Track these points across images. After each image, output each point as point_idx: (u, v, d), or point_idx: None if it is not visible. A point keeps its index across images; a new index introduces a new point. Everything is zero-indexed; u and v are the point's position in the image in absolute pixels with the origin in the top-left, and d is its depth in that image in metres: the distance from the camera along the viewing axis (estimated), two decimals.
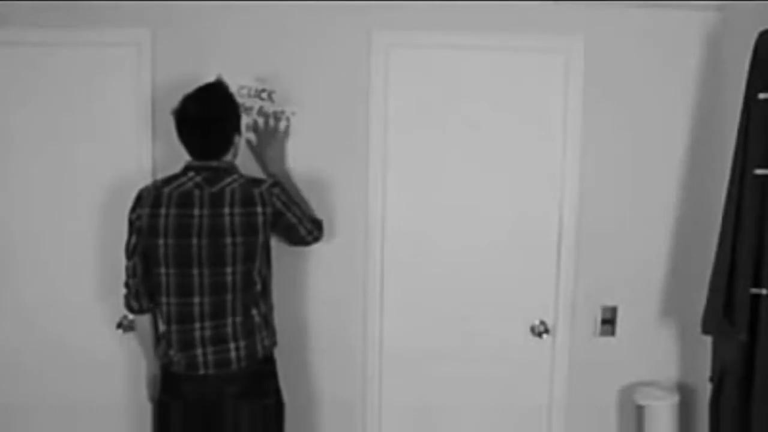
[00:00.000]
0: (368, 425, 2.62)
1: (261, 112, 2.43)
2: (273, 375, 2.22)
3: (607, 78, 2.52)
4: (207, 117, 2.07)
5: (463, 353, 2.61)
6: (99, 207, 2.47)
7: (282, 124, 2.44)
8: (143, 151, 2.43)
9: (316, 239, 2.30)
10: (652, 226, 2.60)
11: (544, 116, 2.54)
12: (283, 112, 2.44)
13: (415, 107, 2.51)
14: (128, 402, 2.54)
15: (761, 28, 2.20)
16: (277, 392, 2.23)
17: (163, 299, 2.07)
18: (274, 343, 2.21)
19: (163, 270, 2.05)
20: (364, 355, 2.58)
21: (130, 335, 2.47)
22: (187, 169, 2.10)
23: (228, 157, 2.13)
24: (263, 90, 2.42)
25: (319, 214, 2.42)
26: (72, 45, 2.41)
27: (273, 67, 2.42)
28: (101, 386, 2.54)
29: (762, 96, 2.19)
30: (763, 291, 2.21)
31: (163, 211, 2.04)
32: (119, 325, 2.48)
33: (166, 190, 2.06)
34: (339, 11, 2.43)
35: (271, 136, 2.41)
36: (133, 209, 2.10)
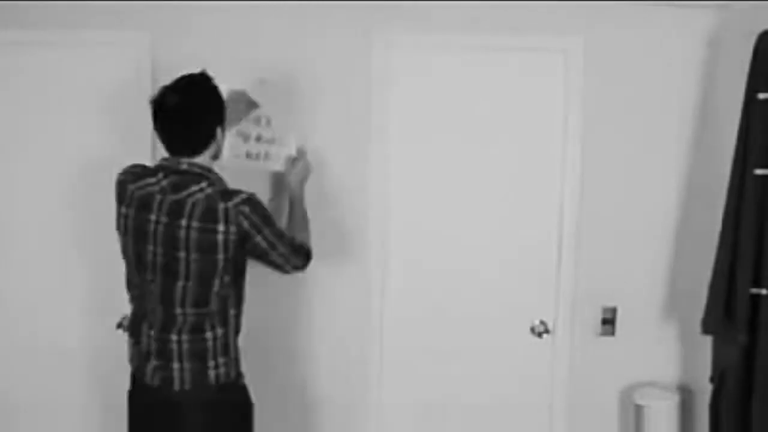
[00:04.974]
0: (368, 425, 2.61)
1: (259, 138, 2.33)
2: (233, 406, 2.01)
3: (607, 78, 2.51)
4: (186, 107, 1.90)
5: (463, 353, 2.61)
6: (99, 206, 2.46)
7: (305, 155, 2.33)
8: (142, 152, 2.42)
9: (297, 268, 2.08)
10: (652, 226, 2.60)
11: (544, 116, 2.54)
12: (281, 138, 2.33)
13: (415, 107, 2.51)
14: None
15: (761, 29, 2.20)
16: (238, 424, 2.04)
17: (130, 293, 2.04)
18: (236, 373, 2.01)
19: (127, 267, 2.01)
20: (364, 355, 2.58)
21: None
22: (158, 168, 1.95)
23: (205, 156, 1.95)
24: (260, 117, 2.33)
25: (320, 216, 2.40)
26: (72, 45, 2.41)
27: (273, 68, 2.41)
28: (101, 386, 2.54)
29: (762, 96, 2.19)
30: (763, 291, 2.21)
31: (123, 210, 1.95)
32: (119, 325, 2.48)
33: (131, 187, 1.94)
34: (339, 12, 2.42)
35: (301, 161, 2.30)
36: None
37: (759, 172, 2.21)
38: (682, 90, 2.54)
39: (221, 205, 1.87)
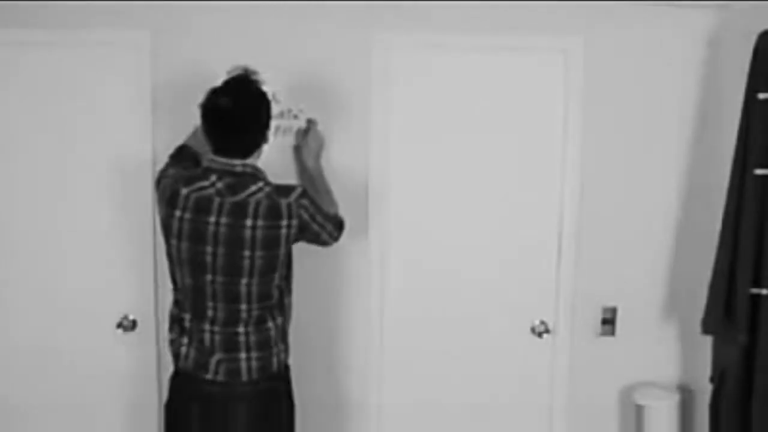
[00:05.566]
0: (368, 425, 2.61)
1: None
2: (287, 395, 2.13)
3: (607, 78, 2.51)
4: (240, 110, 1.94)
5: (463, 353, 2.61)
6: (98, 205, 2.47)
7: (315, 125, 2.39)
8: (143, 152, 2.43)
9: (336, 240, 2.18)
10: (652, 226, 2.60)
11: (544, 116, 2.54)
12: (290, 111, 2.42)
13: (415, 107, 2.50)
14: (128, 403, 2.54)
15: (761, 29, 2.20)
16: (289, 411, 2.15)
17: (182, 294, 2.04)
18: (287, 362, 2.12)
19: (178, 269, 2.01)
20: (364, 355, 2.58)
21: (130, 335, 2.48)
22: (208, 170, 1.96)
23: (254, 157, 1.99)
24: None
25: None
26: (72, 45, 2.40)
27: (273, 69, 2.41)
28: (101, 386, 2.53)
29: (762, 96, 2.19)
30: (763, 291, 2.22)
31: (178, 213, 1.93)
32: (119, 325, 2.49)
33: (185, 191, 1.94)
34: (339, 11, 2.42)
35: (310, 133, 2.36)
36: (157, 193, 2.04)
37: (759, 172, 2.21)
38: (682, 90, 2.54)
39: (283, 202, 1.95)
